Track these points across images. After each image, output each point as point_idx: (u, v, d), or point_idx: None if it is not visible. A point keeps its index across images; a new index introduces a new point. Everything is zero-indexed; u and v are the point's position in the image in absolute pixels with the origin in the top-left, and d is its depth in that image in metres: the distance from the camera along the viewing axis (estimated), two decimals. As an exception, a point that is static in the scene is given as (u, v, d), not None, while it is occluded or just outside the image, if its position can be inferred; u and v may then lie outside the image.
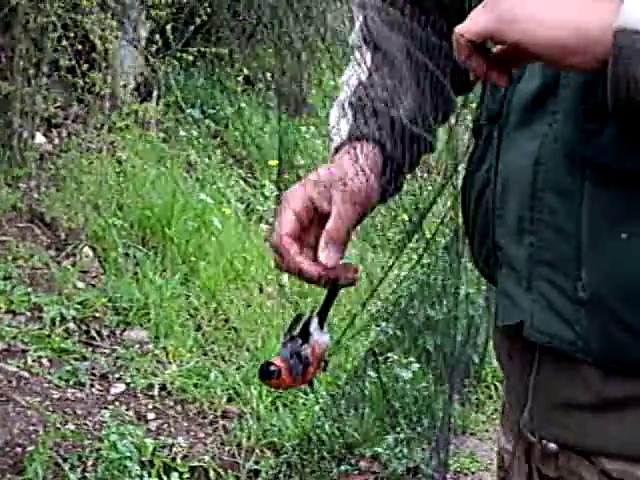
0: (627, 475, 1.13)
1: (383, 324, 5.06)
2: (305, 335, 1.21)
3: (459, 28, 1.04)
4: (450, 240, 3.93)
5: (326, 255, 1.22)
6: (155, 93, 6.93)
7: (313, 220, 1.26)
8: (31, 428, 3.56)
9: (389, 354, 4.53)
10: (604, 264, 1.08)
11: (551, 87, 1.15)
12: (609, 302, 1.09)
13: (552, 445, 1.21)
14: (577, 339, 1.12)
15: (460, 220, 1.42)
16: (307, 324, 1.23)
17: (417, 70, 1.38)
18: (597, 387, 1.14)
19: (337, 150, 1.33)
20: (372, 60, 1.41)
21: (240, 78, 7.96)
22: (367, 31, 1.42)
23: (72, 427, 3.63)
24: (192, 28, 6.55)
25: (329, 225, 1.23)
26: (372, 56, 1.41)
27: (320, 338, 1.21)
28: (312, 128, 8.45)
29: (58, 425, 3.60)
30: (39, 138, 6.06)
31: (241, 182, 7.03)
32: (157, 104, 6.79)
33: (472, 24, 1.03)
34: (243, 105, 7.98)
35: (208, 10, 6.64)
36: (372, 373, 4.27)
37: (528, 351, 1.22)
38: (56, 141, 6.20)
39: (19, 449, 3.42)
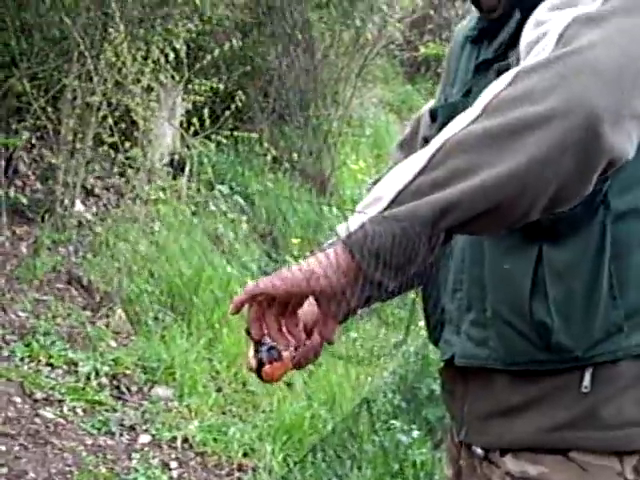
0: (525, 474, 1.54)
1: (390, 395, 5.42)
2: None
3: None
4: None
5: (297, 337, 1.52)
6: (187, 169, 7.26)
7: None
8: (67, 469, 3.92)
9: (392, 421, 4.87)
10: (498, 288, 1.54)
11: None
12: (505, 315, 1.53)
13: (479, 450, 1.63)
14: (491, 352, 1.57)
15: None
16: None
17: None
18: (507, 395, 1.57)
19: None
20: None
21: (268, 157, 8.23)
22: None
23: (103, 470, 3.99)
24: (228, 113, 6.91)
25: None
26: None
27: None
28: (334, 209, 8.81)
29: (91, 467, 3.96)
30: (78, 206, 6.41)
31: (265, 257, 7.36)
32: (189, 180, 7.14)
33: None
34: (269, 184, 8.32)
35: (243, 98, 7.02)
36: (375, 438, 4.62)
37: (463, 383, 1.65)
38: (94, 210, 6.56)
39: (56, 486, 3.78)
